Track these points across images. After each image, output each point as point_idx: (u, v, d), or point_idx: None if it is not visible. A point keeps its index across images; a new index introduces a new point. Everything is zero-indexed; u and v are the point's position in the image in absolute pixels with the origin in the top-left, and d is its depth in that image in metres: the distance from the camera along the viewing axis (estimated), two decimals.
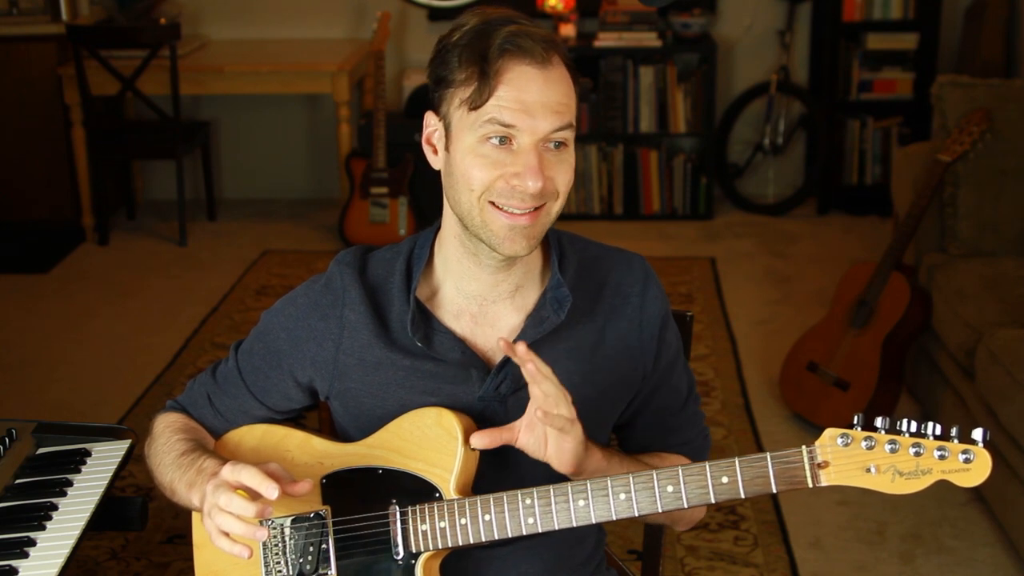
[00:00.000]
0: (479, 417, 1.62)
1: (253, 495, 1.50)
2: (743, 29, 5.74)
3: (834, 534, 3.18)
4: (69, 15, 5.42)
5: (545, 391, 1.49)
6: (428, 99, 1.61)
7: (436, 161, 1.62)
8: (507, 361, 1.62)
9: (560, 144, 1.54)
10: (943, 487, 1.44)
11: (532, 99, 1.50)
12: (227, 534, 1.52)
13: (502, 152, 1.52)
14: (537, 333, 1.62)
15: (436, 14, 5.72)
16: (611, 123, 5.57)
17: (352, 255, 1.70)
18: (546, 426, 1.52)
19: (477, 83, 1.51)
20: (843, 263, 4.85)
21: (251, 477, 1.50)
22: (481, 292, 1.63)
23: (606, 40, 5.49)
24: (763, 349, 4.24)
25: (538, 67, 1.51)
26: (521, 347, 1.48)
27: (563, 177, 1.55)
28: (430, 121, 1.61)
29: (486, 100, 1.50)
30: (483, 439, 1.55)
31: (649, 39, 5.47)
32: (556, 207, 1.56)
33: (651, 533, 1.98)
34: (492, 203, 1.53)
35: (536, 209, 1.54)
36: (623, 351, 1.67)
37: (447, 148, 1.58)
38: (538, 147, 1.52)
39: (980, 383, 3.18)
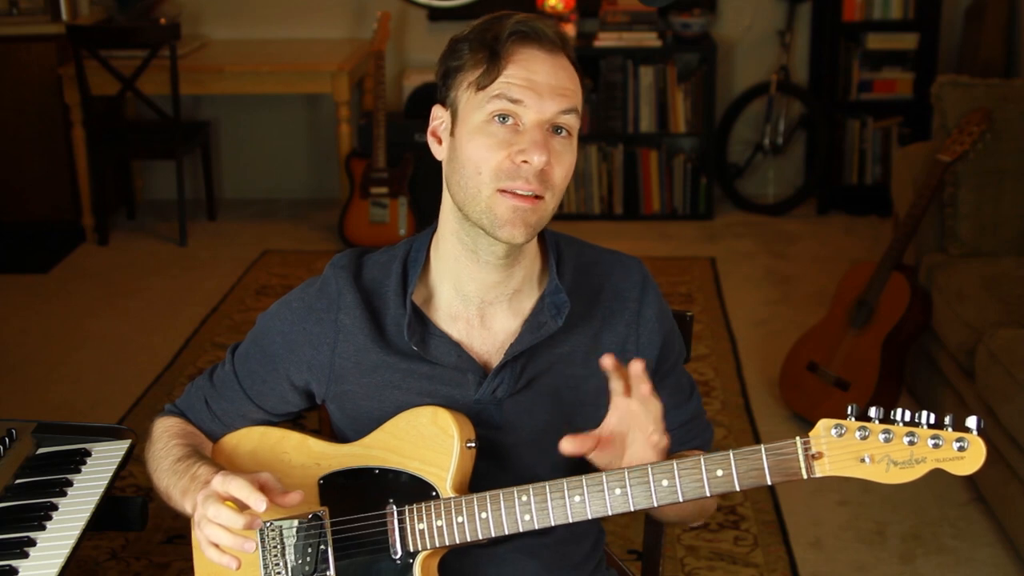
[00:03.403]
0: (475, 420, 1.62)
1: (242, 506, 1.50)
2: (743, 29, 5.73)
3: (834, 534, 3.18)
4: (69, 15, 5.42)
5: (656, 415, 1.49)
6: (435, 95, 1.62)
7: (440, 151, 1.62)
8: (504, 364, 1.62)
9: (563, 131, 1.55)
10: (943, 486, 1.45)
11: (540, 79, 1.52)
12: (217, 544, 1.52)
13: (508, 131, 1.52)
14: (534, 338, 1.62)
15: (436, 14, 5.72)
16: (611, 123, 5.57)
17: (347, 258, 1.69)
18: (631, 445, 1.51)
19: (487, 64, 1.53)
20: (843, 263, 4.84)
21: (240, 489, 1.49)
22: (480, 293, 1.63)
23: (606, 40, 5.49)
24: (763, 349, 4.24)
25: (547, 51, 1.54)
26: (638, 366, 1.48)
27: (562, 168, 1.55)
28: (436, 114, 1.62)
29: (495, 79, 1.52)
30: (573, 445, 1.50)
31: (649, 39, 5.48)
32: (552, 204, 1.56)
33: (651, 533, 1.98)
34: (501, 190, 1.53)
35: (536, 198, 1.53)
36: (620, 356, 1.66)
37: (452, 134, 1.58)
38: (543, 127, 1.53)
39: (980, 383, 3.18)
